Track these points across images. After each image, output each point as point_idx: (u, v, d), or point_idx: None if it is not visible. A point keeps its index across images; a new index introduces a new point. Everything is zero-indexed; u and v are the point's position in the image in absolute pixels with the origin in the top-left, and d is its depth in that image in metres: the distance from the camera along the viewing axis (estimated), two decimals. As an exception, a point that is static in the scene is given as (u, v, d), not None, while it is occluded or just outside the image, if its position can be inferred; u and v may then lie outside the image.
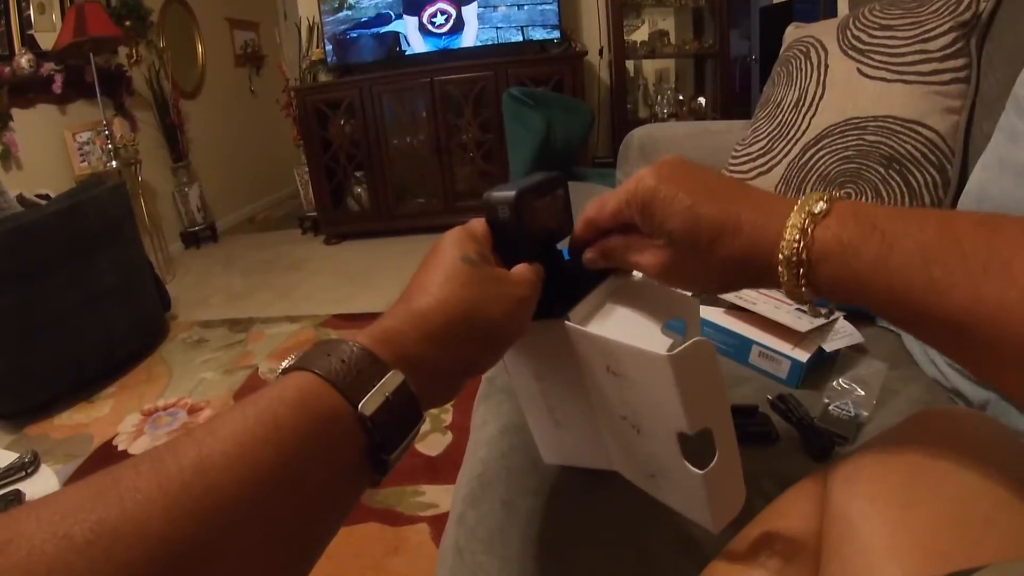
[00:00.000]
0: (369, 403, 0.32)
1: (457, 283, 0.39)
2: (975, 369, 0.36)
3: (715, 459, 0.38)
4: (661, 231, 0.42)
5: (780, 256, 0.38)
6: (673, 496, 0.46)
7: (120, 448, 1.99)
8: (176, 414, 2.16)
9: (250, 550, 0.27)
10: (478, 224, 0.45)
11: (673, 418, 0.38)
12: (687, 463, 0.39)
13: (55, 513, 0.24)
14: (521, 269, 0.44)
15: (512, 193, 0.44)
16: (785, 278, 0.39)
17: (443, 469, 1.67)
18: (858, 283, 0.36)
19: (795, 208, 0.39)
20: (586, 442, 0.53)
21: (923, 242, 0.34)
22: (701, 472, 0.38)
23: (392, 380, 0.33)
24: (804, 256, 0.37)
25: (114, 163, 3.49)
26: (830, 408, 0.70)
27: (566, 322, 0.45)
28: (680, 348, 0.36)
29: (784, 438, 0.66)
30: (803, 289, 0.38)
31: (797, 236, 0.38)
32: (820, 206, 0.38)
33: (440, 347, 0.37)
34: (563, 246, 0.50)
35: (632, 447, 0.46)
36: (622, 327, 0.47)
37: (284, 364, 0.34)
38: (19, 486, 1.03)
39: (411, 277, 0.41)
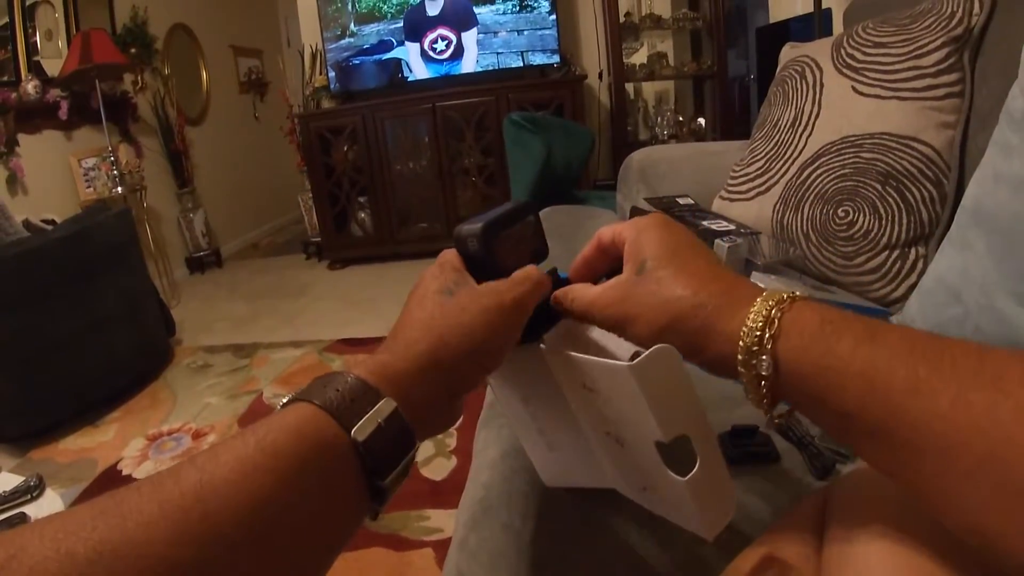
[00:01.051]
0: (362, 429, 0.32)
1: (439, 314, 0.41)
2: (942, 506, 0.30)
3: (696, 465, 0.38)
4: (639, 257, 0.42)
5: (744, 327, 0.36)
6: (665, 507, 0.45)
7: (124, 472, 1.98)
8: (180, 439, 2.16)
9: (247, 574, 0.28)
10: (450, 254, 0.46)
11: (647, 428, 0.39)
12: (669, 472, 0.39)
13: (58, 531, 0.24)
14: (516, 277, 0.45)
15: (478, 226, 0.45)
16: (742, 356, 0.36)
17: (448, 494, 1.66)
18: (831, 370, 0.33)
19: (767, 292, 0.37)
20: (581, 462, 0.52)
21: (910, 338, 0.32)
22: (683, 480, 0.38)
23: (385, 407, 0.34)
24: (768, 333, 0.35)
25: (119, 189, 3.52)
26: (831, 426, 0.69)
27: (541, 346, 0.46)
28: (641, 357, 0.36)
29: (785, 457, 0.66)
30: (762, 382, 0.35)
31: (767, 311, 0.35)
32: (790, 293, 0.36)
33: (430, 373, 0.39)
34: (546, 267, 0.50)
35: (620, 461, 0.46)
36: (597, 345, 0.48)
37: (285, 400, 0.35)
38: (24, 509, 1.03)
39: (399, 316, 0.43)
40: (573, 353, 0.42)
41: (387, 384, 0.36)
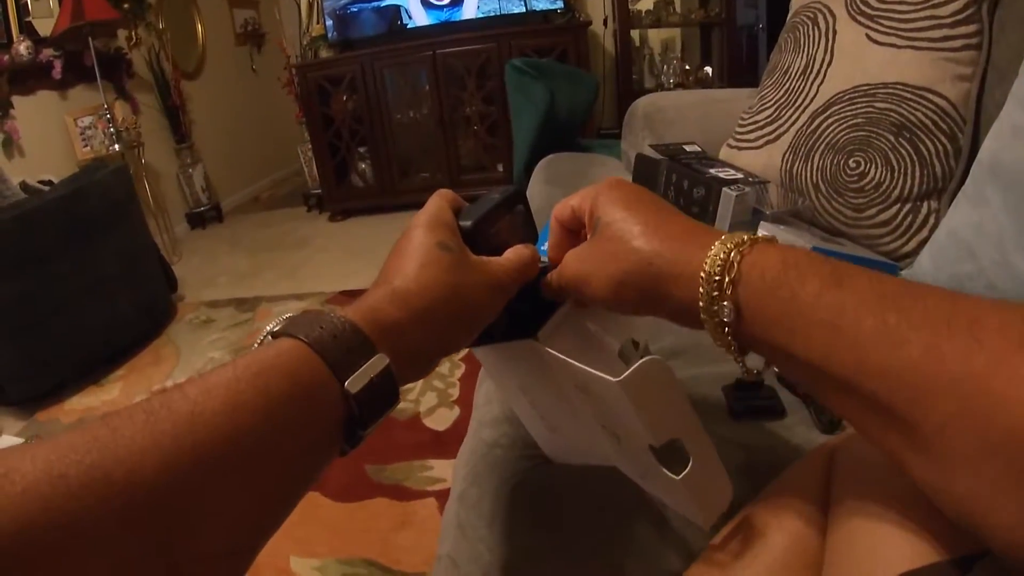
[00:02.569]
0: (355, 381, 0.33)
1: (437, 268, 0.40)
2: (914, 464, 0.28)
3: (689, 465, 0.38)
4: (592, 218, 0.42)
5: (702, 273, 0.34)
6: (664, 495, 0.47)
7: (131, 428, 2.00)
8: (186, 394, 2.18)
9: (230, 506, 0.29)
10: (445, 211, 0.45)
11: (639, 433, 0.39)
12: (664, 470, 0.40)
13: (51, 453, 0.25)
14: (507, 256, 0.45)
15: (468, 224, 0.45)
16: (703, 303, 0.34)
17: (450, 444, 1.68)
18: (795, 317, 0.31)
19: (726, 235, 0.35)
20: (583, 444, 0.53)
21: (879, 283, 0.30)
22: (678, 478, 0.39)
23: (378, 362, 0.34)
24: (727, 277, 0.33)
25: (117, 146, 3.47)
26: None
27: (534, 341, 0.45)
28: (629, 371, 0.36)
29: (791, 411, 0.65)
30: (725, 328, 0.34)
31: (724, 255, 0.34)
32: (750, 236, 0.34)
33: (421, 329, 0.39)
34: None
35: (619, 453, 0.47)
36: (593, 336, 0.48)
37: (271, 327, 0.35)
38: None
39: (386, 260, 0.42)
40: (564, 357, 0.42)
41: (380, 334, 0.36)
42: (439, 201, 0.46)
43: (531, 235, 0.51)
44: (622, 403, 0.37)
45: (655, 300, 0.38)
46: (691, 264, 0.35)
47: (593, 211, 0.42)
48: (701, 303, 0.35)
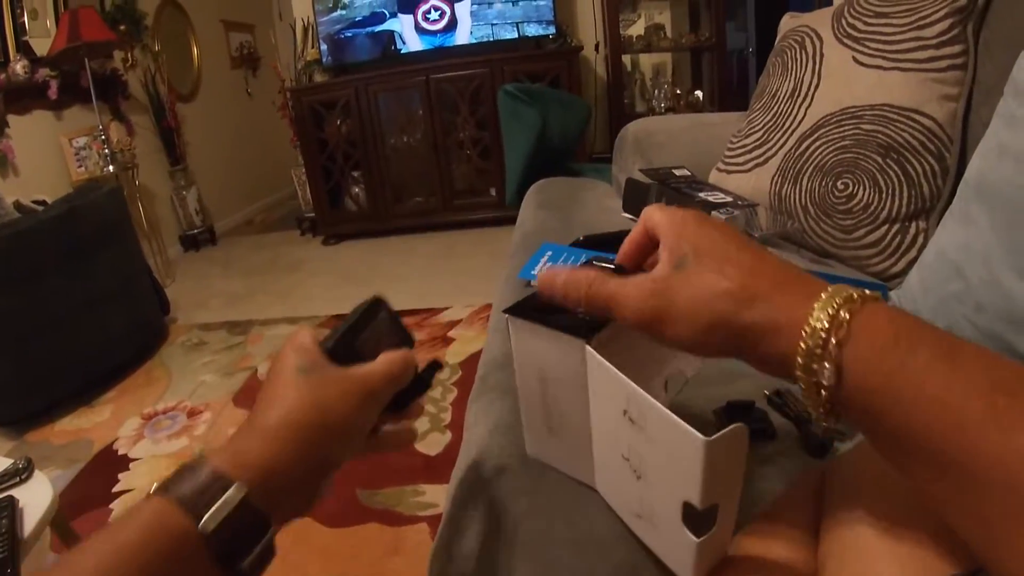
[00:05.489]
0: (211, 519, 0.34)
1: (296, 392, 0.41)
2: (999, 551, 0.27)
3: (713, 529, 0.37)
4: (678, 250, 0.38)
5: (806, 327, 0.31)
6: (656, 542, 0.45)
7: (120, 452, 1.98)
8: (176, 417, 2.16)
9: None
10: (305, 335, 0.46)
11: (685, 489, 0.37)
12: (685, 528, 0.38)
13: None
14: (376, 362, 0.45)
15: (329, 343, 0.45)
16: (802, 360, 0.32)
17: (442, 468, 1.66)
18: (901, 388, 0.29)
19: (832, 287, 0.33)
20: (575, 456, 0.52)
21: (989, 360, 0.28)
22: (697, 540, 0.37)
23: (234, 495, 0.35)
24: (834, 337, 0.30)
25: (111, 167, 3.47)
26: (829, 402, 0.68)
27: (587, 346, 0.43)
28: (719, 434, 0.34)
29: (781, 434, 0.65)
30: (822, 391, 0.32)
31: (832, 310, 0.31)
32: (860, 292, 0.32)
33: (288, 455, 0.39)
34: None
35: (625, 486, 0.45)
36: (637, 360, 0.45)
37: (151, 490, 0.37)
38: (12, 492, 1.02)
39: (257, 395, 0.43)
40: (634, 385, 0.39)
41: (241, 470, 0.37)
42: (297, 331, 0.47)
43: (400, 338, 0.51)
44: (691, 460, 0.35)
45: (743, 348, 0.35)
46: (792, 316, 0.33)
47: (678, 241, 0.39)
48: (800, 359, 0.32)
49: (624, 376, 0.40)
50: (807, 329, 0.31)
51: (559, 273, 0.43)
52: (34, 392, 2.21)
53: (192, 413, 2.17)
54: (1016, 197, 0.61)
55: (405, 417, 0.51)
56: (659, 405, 0.37)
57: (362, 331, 0.47)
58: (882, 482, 0.38)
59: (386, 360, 0.45)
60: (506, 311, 0.49)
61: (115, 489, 1.79)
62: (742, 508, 0.47)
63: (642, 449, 0.41)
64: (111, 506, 1.71)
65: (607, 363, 0.41)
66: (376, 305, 0.50)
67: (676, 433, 0.36)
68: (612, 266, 0.45)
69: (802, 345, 0.31)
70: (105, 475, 1.87)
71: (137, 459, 1.94)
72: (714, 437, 0.34)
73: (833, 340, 0.31)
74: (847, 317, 0.31)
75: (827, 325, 0.31)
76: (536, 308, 0.48)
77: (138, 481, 1.82)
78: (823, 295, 0.32)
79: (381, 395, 0.44)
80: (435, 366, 0.52)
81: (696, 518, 0.38)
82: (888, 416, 0.29)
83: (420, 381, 0.49)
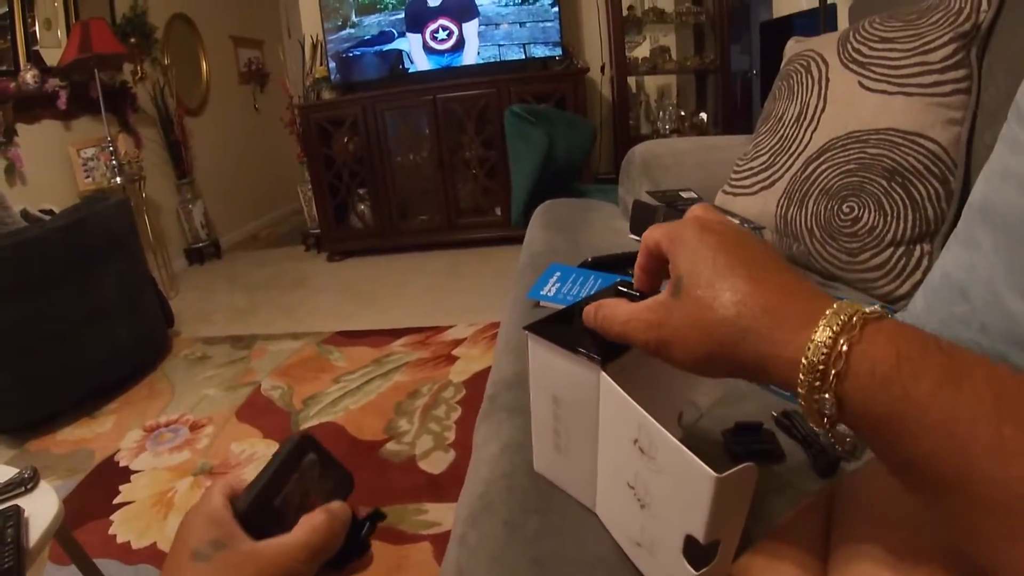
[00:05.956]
0: None
1: None
2: (1000, 564, 0.27)
3: (713, 562, 0.38)
4: (675, 272, 0.38)
5: (803, 360, 0.31)
6: (652, 572, 0.45)
7: (121, 464, 1.98)
8: (178, 430, 2.15)
9: None
10: (217, 496, 0.40)
11: (690, 523, 0.37)
12: (685, 562, 0.38)
13: None
14: (296, 531, 0.39)
15: (243, 507, 0.40)
16: (803, 391, 0.31)
17: (446, 487, 1.65)
18: (905, 417, 0.28)
19: (831, 308, 0.32)
20: (579, 478, 0.52)
21: (996, 382, 0.28)
22: (696, 574, 0.38)
23: None
24: (832, 370, 0.30)
25: (118, 179, 3.50)
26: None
27: (603, 373, 0.43)
28: (731, 471, 0.34)
29: (789, 455, 0.65)
30: (824, 419, 0.31)
31: (830, 341, 0.30)
32: (860, 313, 0.31)
33: None
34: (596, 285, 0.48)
35: (627, 513, 0.45)
36: (651, 388, 0.45)
37: None
38: (18, 502, 1.02)
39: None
40: (646, 414, 0.39)
41: None
42: (212, 487, 0.41)
43: (335, 482, 0.44)
44: (699, 495, 0.35)
45: (749, 374, 0.35)
46: (789, 346, 0.32)
47: (674, 263, 0.38)
48: (800, 390, 0.31)
49: (637, 405, 0.40)
50: (804, 363, 0.31)
51: (601, 306, 0.43)
52: (36, 401, 2.21)
53: (194, 426, 2.17)
54: (1020, 220, 0.62)
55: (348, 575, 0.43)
56: (671, 437, 0.38)
57: (284, 483, 0.41)
58: (890, 504, 0.38)
59: (306, 528, 0.39)
60: (527, 327, 0.49)
61: (115, 501, 1.79)
62: (748, 527, 0.47)
63: (649, 479, 0.41)
64: (111, 517, 1.71)
65: (621, 391, 0.42)
66: (301, 446, 0.42)
67: (686, 466, 0.36)
68: (636, 292, 0.45)
69: (801, 378, 0.31)
70: (105, 486, 1.86)
71: (138, 471, 1.94)
72: (725, 474, 0.34)
73: (833, 371, 0.30)
74: (845, 349, 0.30)
75: (824, 357, 0.30)
76: (556, 327, 0.48)
77: (138, 493, 1.81)
78: (821, 322, 0.31)
79: (304, 567, 0.38)
80: (377, 516, 0.45)
81: (697, 552, 0.38)
82: (892, 440, 0.29)
83: (357, 541, 0.42)
